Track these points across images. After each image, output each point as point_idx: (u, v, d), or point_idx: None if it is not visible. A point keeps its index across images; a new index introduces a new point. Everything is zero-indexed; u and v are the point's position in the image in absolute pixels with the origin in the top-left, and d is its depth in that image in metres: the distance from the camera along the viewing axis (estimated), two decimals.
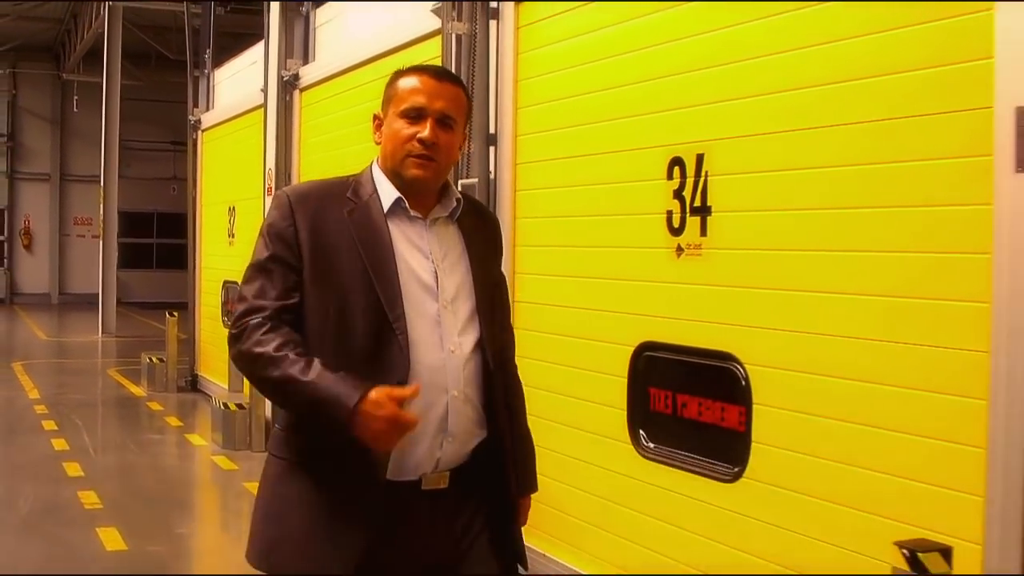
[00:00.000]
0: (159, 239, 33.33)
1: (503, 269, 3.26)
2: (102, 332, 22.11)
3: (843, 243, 4.19)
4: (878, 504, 3.98)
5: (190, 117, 14.84)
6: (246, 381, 10.38)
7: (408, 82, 2.87)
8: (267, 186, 11.07)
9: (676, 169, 5.01)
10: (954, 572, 3.43)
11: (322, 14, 10.69)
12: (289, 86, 10.66)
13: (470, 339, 2.87)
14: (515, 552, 3.00)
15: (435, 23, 7.26)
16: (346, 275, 2.79)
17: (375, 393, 2.58)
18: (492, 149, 6.55)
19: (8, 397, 13.57)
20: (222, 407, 10.45)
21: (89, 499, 8.12)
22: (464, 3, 6.93)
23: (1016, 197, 3.45)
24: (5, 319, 26.96)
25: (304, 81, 10.54)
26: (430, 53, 7.42)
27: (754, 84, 4.60)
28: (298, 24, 10.82)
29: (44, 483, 8.71)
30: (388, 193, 2.87)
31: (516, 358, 3.27)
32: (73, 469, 9.18)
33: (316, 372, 2.64)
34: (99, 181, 23.61)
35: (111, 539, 7.04)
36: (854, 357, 4.10)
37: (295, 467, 2.82)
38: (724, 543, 4.72)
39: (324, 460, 2.78)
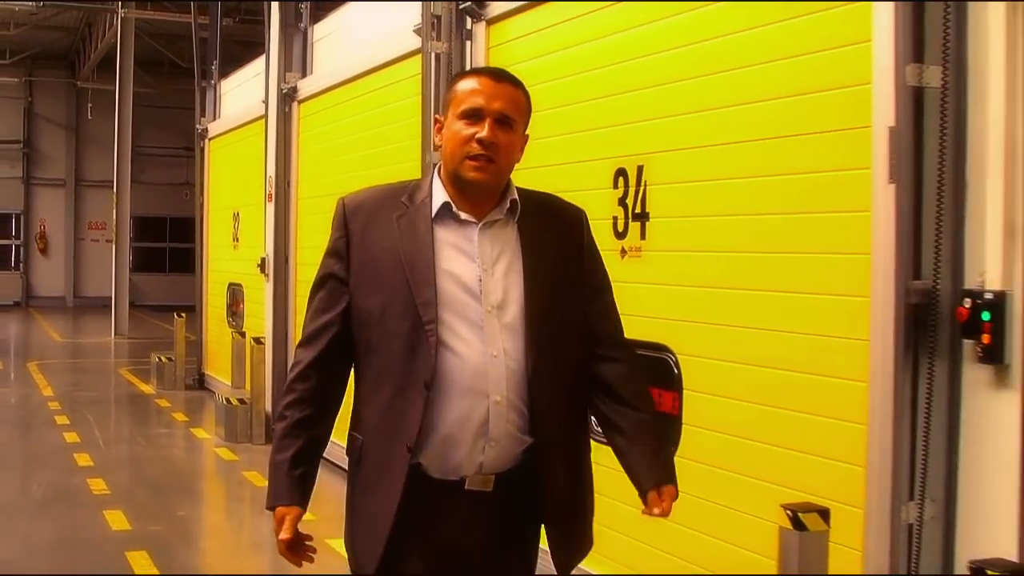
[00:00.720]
0: (172, 243, 33.88)
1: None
2: (115, 334, 22.73)
3: (758, 246, 4.73)
4: (782, 475, 4.53)
5: (197, 126, 15.45)
6: (247, 377, 11.04)
7: (467, 84, 2.87)
8: (267, 192, 11.64)
9: (620, 179, 5.56)
10: (832, 531, 3.98)
11: (320, 29, 11.25)
12: (288, 98, 11.22)
13: (516, 344, 2.82)
14: (528, 561, 3.02)
15: (417, 42, 7.81)
16: (389, 280, 2.82)
17: (279, 513, 2.85)
18: None
19: (23, 394, 14.20)
20: (225, 402, 11.03)
21: (97, 486, 8.69)
22: (442, 24, 7.50)
23: (888, 205, 3.99)
24: (21, 321, 27.64)
25: (302, 93, 11.10)
26: (413, 70, 8.00)
27: (686, 104, 5.15)
28: (297, 39, 11.38)
29: (56, 472, 9.30)
30: (439, 197, 2.88)
31: None
32: (83, 459, 9.76)
33: (282, 456, 2.88)
34: (113, 186, 24.23)
35: (116, 520, 7.61)
36: (766, 346, 4.65)
37: (354, 462, 2.95)
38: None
39: (368, 460, 2.89)
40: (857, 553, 4.16)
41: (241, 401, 10.90)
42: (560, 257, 2.94)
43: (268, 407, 10.95)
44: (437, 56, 7.56)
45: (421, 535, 2.82)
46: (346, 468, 3.01)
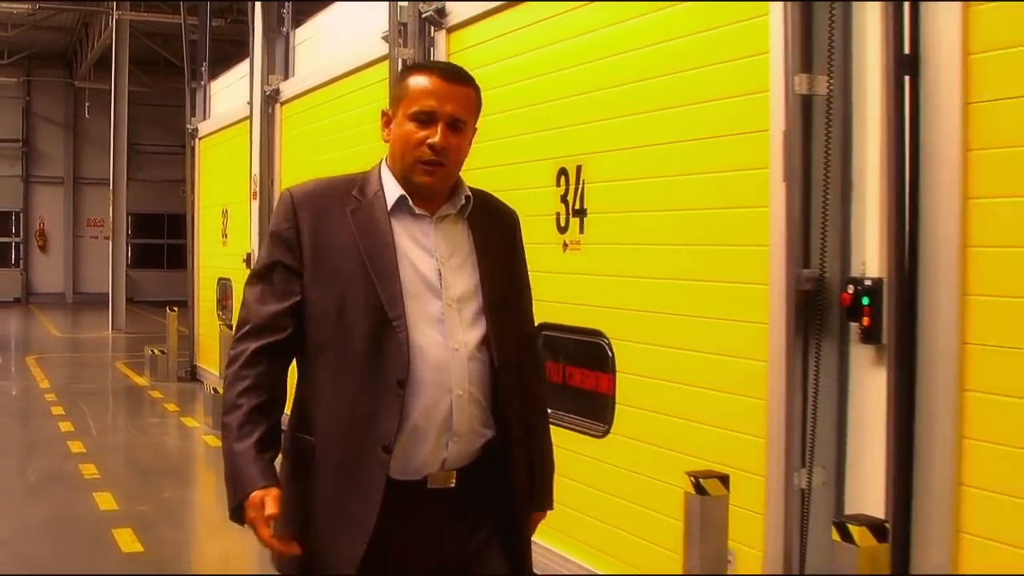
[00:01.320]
0: (169, 240, 34.26)
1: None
2: (112, 328, 23.17)
3: (678, 239, 5.20)
4: (695, 446, 5.00)
5: (188, 126, 15.91)
6: None
7: (418, 81, 2.79)
8: (252, 190, 12.11)
9: (562, 178, 6.01)
10: (736, 496, 4.45)
11: (301, 33, 11.71)
12: (271, 100, 11.69)
13: (476, 338, 2.81)
14: (519, 561, 2.94)
15: (386, 48, 8.26)
16: (347, 274, 2.76)
17: (256, 496, 2.64)
18: None
19: (21, 387, 14.70)
20: (212, 392, 11.49)
21: (89, 470, 9.16)
22: (408, 31, 7.95)
23: (782, 202, 4.45)
24: (21, 317, 28.10)
25: (284, 95, 11.56)
26: (383, 74, 8.45)
27: (619, 108, 5.61)
28: (279, 43, 11.84)
29: (50, 458, 9.78)
30: (393, 191, 2.82)
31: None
32: (76, 447, 10.23)
33: (244, 444, 2.69)
34: (110, 184, 24.68)
35: (105, 501, 8.07)
36: (685, 331, 5.12)
37: (299, 468, 2.83)
38: (597, 488, 5.72)
39: (326, 461, 2.78)
40: (759, 516, 4.62)
41: None
42: (505, 255, 2.97)
43: None
44: (404, 61, 8.01)
45: (389, 539, 2.75)
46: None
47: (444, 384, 2.74)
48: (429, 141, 2.73)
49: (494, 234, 2.95)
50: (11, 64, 32.16)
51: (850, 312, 4.27)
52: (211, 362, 14.47)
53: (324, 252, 2.78)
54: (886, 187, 4.07)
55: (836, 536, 3.80)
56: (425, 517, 2.79)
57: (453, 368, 2.75)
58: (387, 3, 8.09)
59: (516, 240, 3.06)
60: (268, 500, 2.65)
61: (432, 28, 7.66)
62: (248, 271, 12.01)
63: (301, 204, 2.82)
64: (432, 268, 2.80)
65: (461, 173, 2.92)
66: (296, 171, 11.18)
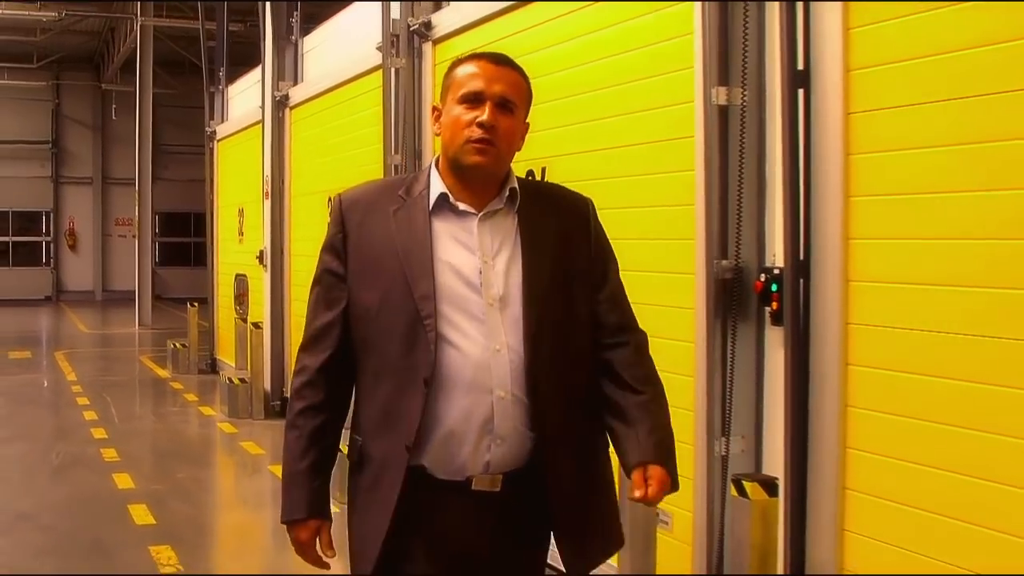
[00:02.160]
0: (196, 238, 34.96)
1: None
2: (138, 324, 23.93)
3: (625, 233, 5.73)
4: None
5: (206, 128, 16.57)
6: (248, 359, 12.12)
7: (466, 69, 2.79)
8: (265, 190, 12.74)
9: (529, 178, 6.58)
10: None
11: (309, 41, 12.32)
12: (281, 104, 12.31)
13: (519, 338, 2.74)
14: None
15: (380, 57, 8.86)
16: (386, 275, 2.76)
17: (303, 531, 2.83)
18: (417, 162, 8.20)
19: (49, 379, 15.46)
20: (228, 382, 12.14)
21: (109, 454, 9.83)
22: (400, 42, 8.54)
23: (703, 200, 5.01)
24: (51, 315, 28.97)
25: (294, 100, 12.18)
26: (377, 83, 9.05)
27: (579, 115, 6.18)
28: (289, 50, 12.46)
29: (74, 443, 10.47)
30: (436, 188, 2.80)
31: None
32: (99, 433, 10.91)
33: (301, 466, 2.83)
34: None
35: (123, 481, 8.72)
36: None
37: (355, 467, 2.88)
38: None
39: (365, 460, 2.83)
40: (689, 480, 5.18)
41: (243, 380, 12.00)
42: (562, 246, 2.84)
43: (267, 386, 12.06)
44: (396, 71, 8.61)
45: (425, 536, 2.76)
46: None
47: (484, 385, 2.69)
48: (479, 120, 2.70)
49: (547, 226, 2.84)
50: (40, 68, 33.04)
51: (762, 298, 4.83)
52: (229, 355, 15.12)
53: (367, 253, 2.80)
54: (787, 187, 4.62)
55: (733, 492, 4.37)
56: (468, 517, 2.76)
57: (494, 368, 2.70)
58: (381, 15, 8.70)
59: (583, 227, 2.92)
60: (304, 536, 2.84)
61: (419, 39, 8.24)
62: (261, 267, 12.79)
63: (349, 209, 2.86)
64: (473, 266, 2.75)
65: None
66: (305, 172, 11.82)
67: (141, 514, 7.69)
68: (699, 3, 5.00)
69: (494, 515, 2.76)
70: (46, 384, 15.11)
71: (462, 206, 2.78)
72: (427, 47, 8.14)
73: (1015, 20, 3.63)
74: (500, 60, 2.80)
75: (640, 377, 2.88)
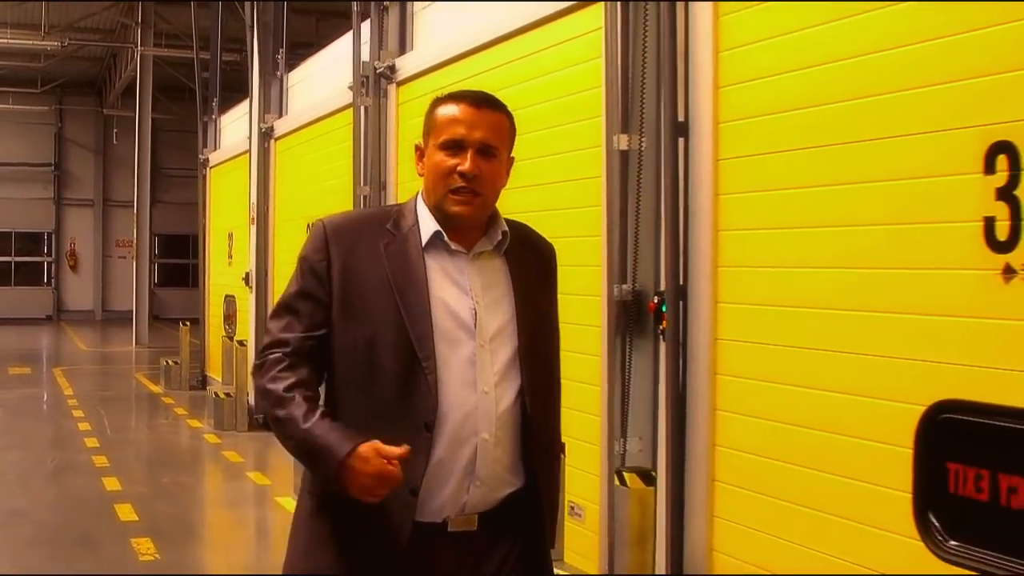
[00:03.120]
0: (194, 259, 35.59)
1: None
2: (135, 343, 24.70)
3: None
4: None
5: (200, 156, 17.39)
6: (239, 373, 12.88)
7: (447, 111, 2.74)
8: (251, 216, 13.54)
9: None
10: (584, 462, 5.70)
11: (293, 77, 13.13)
12: (266, 136, 13.12)
13: (509, 381, 2.73)
14: None
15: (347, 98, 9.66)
16: (377, 311, 2.69)
17: (364, 448, 2.54)
18: (383, 193, 9.00)
19: (47, 394, 16.27)
20: (214, 396, 12.91)
21: (100, 461, 10.58)
22: (370, 83, 9.35)
23: (606, 231, 5.77)
24: (52, 334, 29.78)
25: (278, 132, 12.99)
26: (348, 119, 9.85)
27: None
28: (274, 85, 13.28)
29: (67, 451, 11.25)
30: (428, 226, 2.75)
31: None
32: (91, 442, 11.68)
33: (314, 420, 2.61)
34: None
35: (111, 484, 9.48)
36: None
37: (325, 504, 2.75)
38: None
39: (354, 503, 2.63)
40: (596, 477, 5.94)
41: (228, 395, 12.76)
42: (541, 292, 2.89)
43: (251, 400, 12.81)
44: (365, 108, 9.42)
45: None
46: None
47: (471, 427, 2.67)
48: (459, 169, 2.67)
49: (531, 270, 2.86)
50: (44, 93, 33.83)
51: (655, 317, 5.59)
52: (218, 372, 15.88)
53: (355, 287, 2.71)
54: (668, 222, 5.37)
55: (616, 482, 5.13)
56: (446, 558, 2.72)
57: (481, 411, 2.68)
58: (352, 59, 9.52)
59: (551, 275, 2.97)
60: (375, 448, 2.55)
61: (384, 81, 9.05)
62: (247, 289, 13.56)
63: (334, 236, 2.76)
64: (467, 307, 2.72)
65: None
66: (288, 200, 12.62)
67: (126, 512, 8.44)
68: (604, 60, 5.79)
69: (473, 554, 2.74)
70: (44, 398, 15.91)
71: (454, 245, 2.74)
72: (391, 88, 8.93)
73: (853, 82, 4.35)
74: (480, 102, 2.75)
75: (554, 453, 2.96)
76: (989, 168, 3.71)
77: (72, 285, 36.03)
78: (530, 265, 2.87)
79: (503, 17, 7.09)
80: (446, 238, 2.73)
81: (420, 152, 2.82)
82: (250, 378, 12.83)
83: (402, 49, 9.16)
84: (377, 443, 2.55)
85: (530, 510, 2.81)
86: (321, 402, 2.72)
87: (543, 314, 2.87)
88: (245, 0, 14.31)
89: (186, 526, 8.56)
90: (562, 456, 3.26)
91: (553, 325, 2.96)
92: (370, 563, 2.70)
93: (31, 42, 25.71)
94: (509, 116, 2.81)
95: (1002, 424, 3.74)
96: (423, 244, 2.73)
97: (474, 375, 2.69)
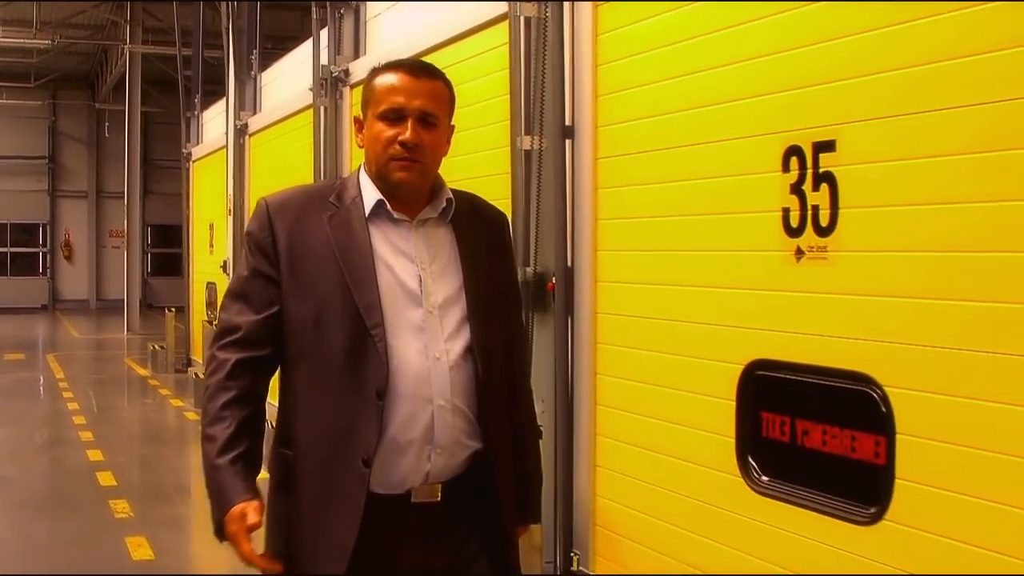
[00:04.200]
0: None
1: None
2: (127, 330, 25.61)
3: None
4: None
5: (183, 149, 18.21)
6: None
7: (385, 80, 2.74)
8: (228, 208, 14.37)
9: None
10: None
11: (266, 76, 13.94)
12: (241, 132, 13.95)
13: (459, 346, 2.74)
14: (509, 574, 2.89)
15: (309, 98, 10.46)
16: (324, 283, 2.68)
17: (235, 510, 2.61)
18: None
19: (39, 377, 17.15)
20: (195, 376, 13.77)
21: (86, 436, 11.46)
22: (328, 86, 10.16)
23: (512, 220, 6.60)
24: (46, 322, 30.69)
25: (252, 128, 13.81)
26: (309, 119, 10.67)
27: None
28: (248, 84, 14.09)
29: (56, 427, 12.19)
30: (371, 196, 2.75)
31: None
32: (79, 420, 12.58)
33: (226, 458, 2.65)
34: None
35: (94, 455, 10.36)
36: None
37: (282, 484, 2.78)
38: None
39: (306, 476, 2.71)
40: None
41: None
42: (491, 260, 2.90)
43: None
44: (324, 108, 10.23)
45: (370, 557, 2.69)
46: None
47: (424, 394, 2.67)
48: (400, 138, 2.67)
49: (480, 237, 2.88)
50: (37, 87, 34.64)
51: (554, 295, 6.42)
52: (202, 355, 16.73)
53: (301, 261, 2.71)
54: (558, 212, 6.18)
55: None
56: (410, 532, 2.72)
57: (434, 378, 2.68)
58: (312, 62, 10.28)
59: (504, 243, 3.02)
60: (249, 511, 2.62)
61: (340, 84, 9.85)
62: (225, 276, 14.39)
63: (276, 212, 2.75)
64: (412, 274, 2.73)
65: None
66: (262, 192, 13.40)
67: (106, 478, 9.32)
68: (510, 72, 6.62)
69: (437, 526, 2.75)
70: (37, 381, 16.77)
71: (397, 214, 2.75)
72: (346, 91, 9.75)
73: (695, 95, 5.11)
74: (419, 71, 2.77)
75: (529, 422, 3.05)
76: (785, 168, 4.54)
77: (67, 275, 36.96)
78: (479, 233, 2.89)
79: (432, 31, 7.90)
80: (388, 207, 2.74)
81: (359, 124, 2.82)
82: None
83: (356, 54, 9.97)
84: (250, 507, 2.63)
85: (489, 476, 2.80)
86: (262, 405, 2.76)
87: (493, 281, 2.88)
88: (221, 0, 15.11)
89: (159, 489, 9.41)
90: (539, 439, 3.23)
91: (511, 292, 3.01)
92: (332, 538, 2.67)
93: (22, 40, 26.46)
94: (448, 84, 2.84)
95: (798, 378, 4.59)
96: (367, 214, 2.74)
97: (424, 342, 2.69)
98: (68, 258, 37.10)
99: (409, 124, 2.69)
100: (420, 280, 2.74)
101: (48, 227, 37.16)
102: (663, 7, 5.38)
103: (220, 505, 2.67)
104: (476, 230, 2.90)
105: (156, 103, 30.65)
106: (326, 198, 2.80)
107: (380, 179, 2.75)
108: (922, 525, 3.94)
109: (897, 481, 4.06)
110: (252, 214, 2.84)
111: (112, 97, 32.81)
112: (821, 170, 4.38)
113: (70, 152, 37.29)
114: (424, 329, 2.71)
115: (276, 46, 15.24)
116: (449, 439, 2.72)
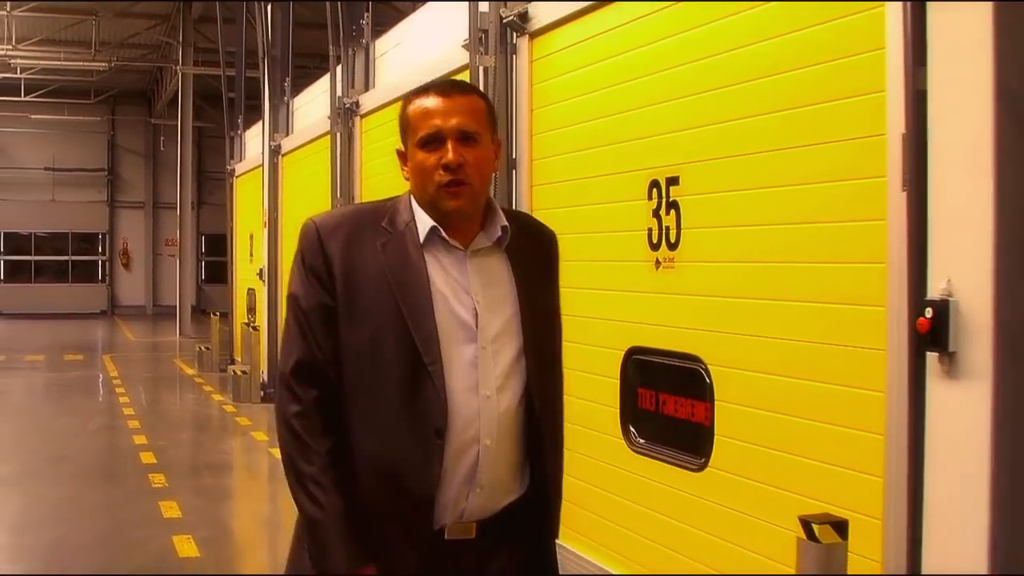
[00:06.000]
0: None
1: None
2: (179, 334, 27.25)
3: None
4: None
5: (227, 167, 19.78)
6: (253, 354, 15.20)
7: (417, 106, 2.64)
8: (264, 220, 15.88)
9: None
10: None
11: (298, 101, 15.43)
12: (275, 153, 15.45)
13: (512, 384, 2.63)
14: None
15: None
16: (379, 313, 2.57)
17: None
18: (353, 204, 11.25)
19: (96, 375, 18.86)
20: (233, 374, 15.28)
21: (133, 424, 13.00)
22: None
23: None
24: (105, 326, 32.51)
25: (285, 148, 15.31)
26: (325, 144, 12.11)
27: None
28: (281, 109, 15.59)
29: (107, 416, 13.81)
30: (425, 222, 2.62)
31: None
32: (128, 410, 14.14)
33: (334, 513, 2.55)
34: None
35: (139, 439, 11.87)
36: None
37: None
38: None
39: (370, 515, 2.61)
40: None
41: (243, 372, 15.11)
42: (543, 286, 2.80)
43: (264, 376, 15.16)
44: (339, 135, 11.66)
45: None
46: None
47: (473, 433, 2.58)
48: (443, 161, 2.56)
49: (532, 263, 2.76)
50: (97, 103, 36.54)
51: None
52: (241, 355, 18.26)
53: (356, 288, 2.61)
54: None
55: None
56: (441, 568, 2.64)
57: (484, 416, 2.59)
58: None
59: (552, 264, 2.89)
60: None
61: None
62: (261, 283, 15.89)
63: (328, 236, 2.65)
64: (467, 307, 2.62)
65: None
66: (293, 205, 14.92)
67: (148, 457, 10.81)
68: None
69: (470, 564, 2.66)
70: (93, 379, 18.41)
71: (452, 242, 2.63)
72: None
73: (590, 137, 6.31)
74: (449, 89, 2.66)
75: (557, 440, 2.86)
76: (649, 197, 5.88)
77: (125, 282, 38.70)
78: (531, 258, 2.76)
79: (426, 69, 9.23)
80: (444, 234, 2.63)
81: (402, 156, 2.71)
82: (264, 358, 15.24)
83: (366, 87, 11.40)
84: None
85: (533, 515, 2.73)
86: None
87: (545, 309, 2.78)
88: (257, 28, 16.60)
89: (192, 466, 10.92)
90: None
91: (556, 317, 2.89)
92: (392, 571, 2.60)
93: (81, 63, 28.21)
94: (484, 97, 2.72)
95: (659, 360, 5.93)
96: (421, 241, 2.62)
97: (476, 378, 2.59)
98: (126, 266, 38.81)
99: (449, 145, 2.57)
100: (476, 313, 2.61)
101: (107, 236, 38.77)
102: (570, 65, 6.77)
103: (324, 563, 2.61)
104: (529, 255, 2.77)
105: (209, 118, 32.31)
106: (378, 222, 2.67)
107: (431, 208, 2.63)
108: (735, 471, 5.33)
109: (717, 437, 5.42)
110: (301, 235, 2.71)
111: (167, 112, 34.41)
112: (671, 199, 5.74)
113: (128, 165, 39.05)
114: (476, 365, 2.60)
115: (318, 65, 16.50)
116: (491, 479, 2.62)
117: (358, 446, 2.61)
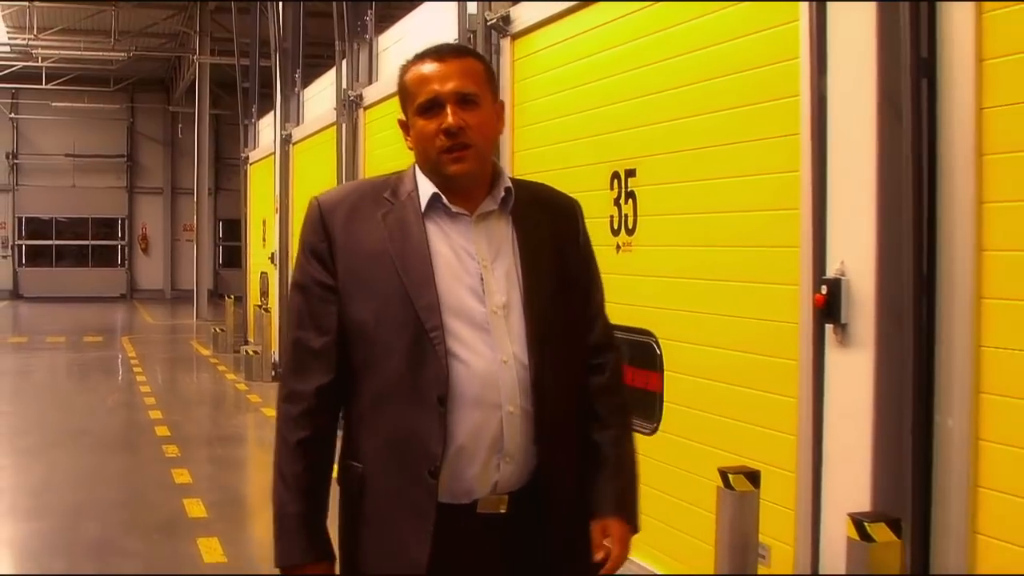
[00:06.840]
0: None
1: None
2: (196, 317, 27.93)
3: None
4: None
5: (241, 154, 20.42)
6: (264, 335, 15.84)
7: (414, 73, 2.59)
8: (276, 206, 16.53)
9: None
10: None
11: (308, 92, 16.04)
12: (286, 141, 16.08)
13: (528, 347, 2.54)
14: None
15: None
16: (381, 285, 2.53)
17: (309, 570, 2.58)
18: None
19: (114, 355, 19.59)
20: (246, 354, 15.94)
21: (149, 400, 13.67)
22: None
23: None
24: (124, 309, 33.32)
25: (296, 137, 15.93)
26: (333, 134, 12.71)
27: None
28: (292, 99, 16.22)
29: (125, 393, 14.48)
30: (426, 189, 2.58)
31: None
32: (144, 388, 14.81)
33: (299, 507, 2.59)
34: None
35: (155, 414, 12.53)
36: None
37: (350, 497, 2.65)
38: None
39: (373, 489, 2.59)
40: None
41: (255, 352, 15.77)
42: (557, 252, 2.69)
43: (276, 356, 15.80)
44: (344, 126, 12.26)
45: (438, 568, 2.53)
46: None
47: (492, 400, 2.51)
48: (443, 126, 2.51)
49: (542, 229, 2.69)
50: (117, 91, 37.20)
51: None
52: (254, 336, 18.92)
53: (357, 262, 2.57)
54: None
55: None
56: (475, 544, 2.58)
57: (503, 382, 2.52)
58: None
59: (573, 233, 2.79)
60: None
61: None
62: (273, 267, 16.54)
63: (329, 212, 2.62)
64: (474, 272, 2.56)
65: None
66: (304, 192, 15.47)
67: (163, 431, 11.47)
68: None
69: (501, 539, 2.60)
70: (113, 359, 19.12)
71: (455, 208, 2.58)
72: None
73: (556, 133, 6.94)
74: (445, 53, 2.59)
75: (612, 408, 2.77)
76: (611, 187, 6.48)
77: (144, 266, 39.47)
78: (542, 225, 2.68)
79: None
80: (445, 200, 2.58)
81: (404, 125, 2.67)
82: (274, 339, 15.88)
83: (369, 80, 12.01)
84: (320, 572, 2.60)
85: (553, 483, 2.62)
86: (333, 450, 2.64)
87: (560, 277, 2.66)
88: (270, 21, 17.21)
89: (203, 438, 11.58)
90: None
91: (585, 282, 2.77)
92: (402, 554, 2.55)
93: (101, 53, 28.87)
94: (481, 59, 2.67)
95: (625, 336, 6.52)
96: (422, 209, 2.58)
97: (490, 345, 2.53)
98: (145, 250, 39.52)
99: (448, 109, 2.52)
100: (482, 279, 2.55)
101: (126, 221, 39.53)
102: (546, 65, 7.37)
103: (284, 553, 2.64)
104: (539, 221, 2.69)
105: (226, 105, 32.84)
106: (380, 194, 2.64)
107: (435, 174, 2.58)
108: (682, 434, 5.94)
109: (666, 404, 6.03)
110: (305, 215, 2.68)
111: (185, 100, 34.88)
112: (629, 189, 6.34)
113: (147, 151, 39.73)
114: (488, 331, 2.53)
115: (331, 55, 16.86)
116: (518, 447, 2.55)
117: (367, 421, 2.59)
